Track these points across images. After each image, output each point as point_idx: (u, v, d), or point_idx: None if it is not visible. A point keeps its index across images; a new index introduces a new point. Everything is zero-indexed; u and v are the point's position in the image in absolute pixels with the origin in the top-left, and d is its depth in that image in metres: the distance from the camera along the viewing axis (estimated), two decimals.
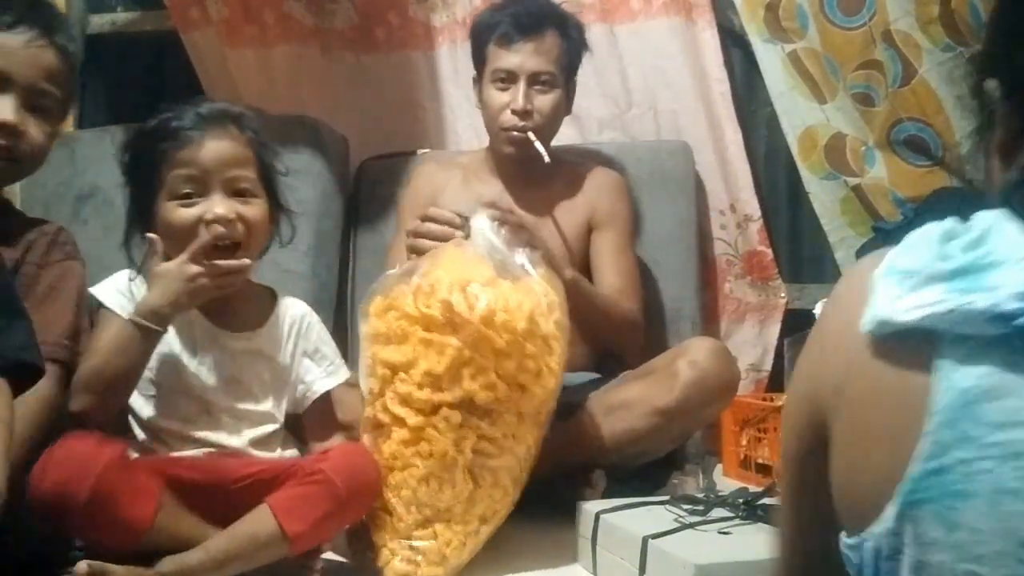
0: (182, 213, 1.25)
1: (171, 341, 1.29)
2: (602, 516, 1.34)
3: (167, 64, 2.45)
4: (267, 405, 1.35)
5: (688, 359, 1.58)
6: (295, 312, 1.40)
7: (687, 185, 2.18)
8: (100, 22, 2.53)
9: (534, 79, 1.82)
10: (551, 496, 1.48)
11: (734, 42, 2.26)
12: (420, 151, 2.30)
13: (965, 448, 0.48)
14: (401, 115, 2.38)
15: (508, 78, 1.82)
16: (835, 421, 0.56)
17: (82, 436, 1.15)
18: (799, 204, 2.26)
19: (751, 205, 2.24)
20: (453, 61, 2.33)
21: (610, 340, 1.82)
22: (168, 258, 1.26)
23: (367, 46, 2.38)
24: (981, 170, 2.15)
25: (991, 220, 0.53)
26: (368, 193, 2.26)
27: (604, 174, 1.99)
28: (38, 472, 1.10)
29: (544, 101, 1.83)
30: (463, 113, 2.34)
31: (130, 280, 1.32)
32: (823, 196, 2.21)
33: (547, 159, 1.79)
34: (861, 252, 2.17)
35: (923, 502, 0.49)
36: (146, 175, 1.28)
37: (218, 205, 1.25)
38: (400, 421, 1.32)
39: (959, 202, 2.11)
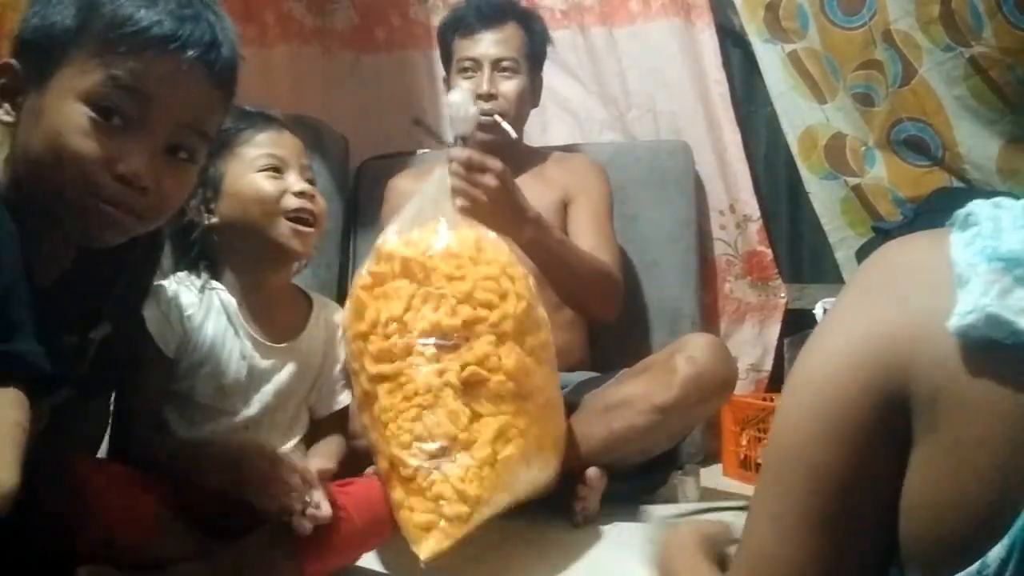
0: (270, 184, 1.30)
1: (216, 360, 1.29)
2: None
3: None
4: (300, 414, 1.36)
5: (686, 355, 1.57)
6: (332, 317, 1.41)
7: (687, 185, 2.18)
8: None
9: (497, 65, 1.90)
10: (548, 496, 1.48)
11: (734, 42, 2.27)
12: (420, 151, 2.30)
13: None
14: (401, 115, 2.38)
15: (473, 66, 1.91)
16: (925, 438, 0.48)
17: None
18: (799, 204, 2.27)
19: (751, 205, 2.24)
20: None
21: (586, 293, 1.79)
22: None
23: (367, 46, 2.38)
24: (981, 170, 2.16)
25: None
26: (368, 193, 2.26)
27: (576, 157, 2.05)
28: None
29: (508, 86, 1.90)
30: None
31: (180, 291, 1.30)
32: (823, 196, 2.21)
33: (514, 135, 1.86)
34: (861, 252, 2.17)
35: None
36: (218, 157, 1.30)
37: (299, 182, 1.32)
38: (381, 377, 1.30)
39: (959, 202, 2.11)
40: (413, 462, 1.25)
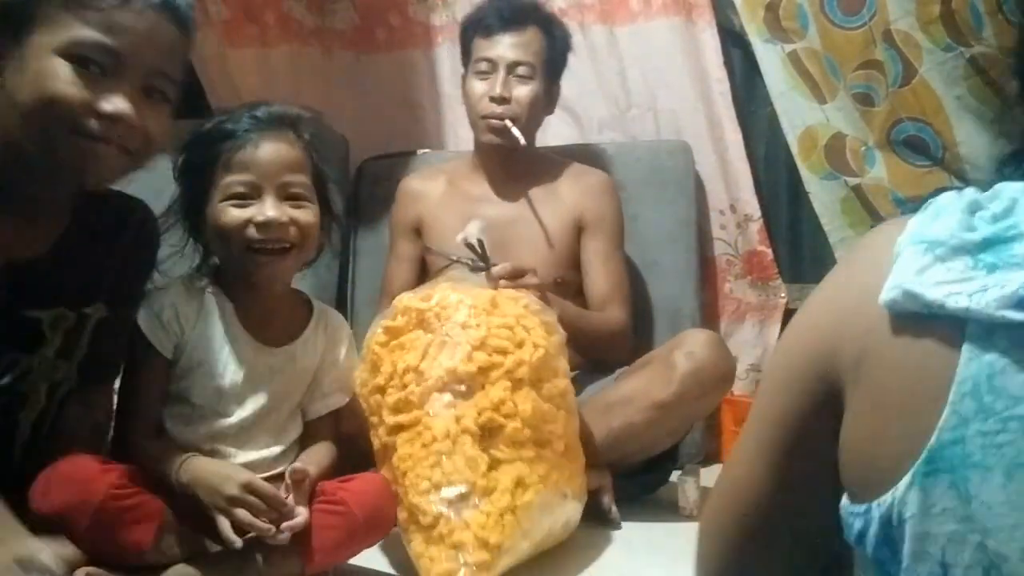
0: (233, 213, 1.26)
1: (213, 362, 1.29)
2: None
3: None
4: (294, 416, 1.36)
5: (684, 351, 1.58)
6: (330, 323, 1.41)
7: (687, 185, 2.18)
8: None
9: (513, 68, 1.88)
10: None
11: (734, 42, 2.26)
12: (420, 151, 2.31)
13: (986, 421, 0.48)
14: (401, 115, 2.39)
15: (489, 68, 1.89)
16: (853, 390, 0.56)
17: (85, 459, 1.15)
18: (799, 204, 2.26)
19: (751, 205, 2.24)
20: (452, 61, 2.33)
21: (600, 351, 1.84)
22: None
23: (367, 46, 2.38)
24: (981, 170, 2.16)
25: (1017, 192, 0.52)
26: (368, 193, 2.26)
27: (592, 174, 2.02)
28: (40, 491, 1.10)
29: (522, 90, 1.88)
30: (463, 113, 2.33)
31: (179, 293, 1.31)
32: (823, 196, 2.21)
33: (523, 142, 1.85)
34: None
35: (939, 472, 0.49)
36: (200, 177, 1.28)
37: (270, 208, 1.26)
38: (399, 427, 1.32)
39: None
40: (433, 508, 1.25)
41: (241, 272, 1.31)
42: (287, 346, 1.35)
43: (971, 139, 2.01)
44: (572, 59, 2.28)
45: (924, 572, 0.50)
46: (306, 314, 1.39)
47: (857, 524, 0.55)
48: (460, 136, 2.35)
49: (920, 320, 0.51)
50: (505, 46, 1.88)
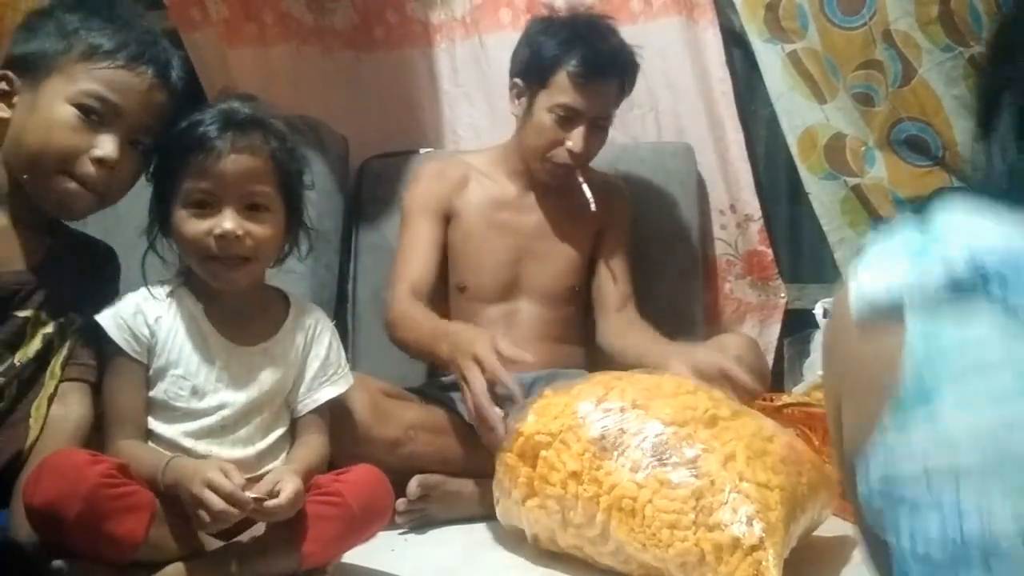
0: (193, 225, 1.26)
1: (187, 362, 1.29)
2: None
3: None
4: (278, 412, 1.35)
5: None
6: (308, 318, 1.39)
7: (689, 187, 2.18)
8: None
9: (595, 121, 1.82)
10: None
11: (735, 42, 2.26)
12: (422, 150, 2.30)
13: (933, 364, 0.60)
14: (401, 114, 2.38)
15: (569, 114, 1.79)
16: (845, 403, 0.68)
17: (74, 451, 1.16)
18: (799, 204, 2.26)
19: (752, 205, 2.24)
20: (451, 59, 2.33)
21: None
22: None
23: (367, 45, 2.38)
24: (981, 170, 2.15)
25: (943, 207, 0.65)
26: (369, 192, 2.26)
27: (611, 183, 2.01)
28: (31, 484, 1.11)
29: (598, 142, 1.85)
30: (462, 112, 2.34)
31: (147, 297, 1.31)
32: (823, 196, 2.21)
33: (593, 208, 1.83)
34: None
35: (913, 406, 0.61)
36: (168, 179, 1.28)
37: (227, 220, 1.25)
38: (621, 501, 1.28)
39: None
40: (735, 530, 1.20)
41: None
42: (264, 343, 1.34)
43: (971, 138, 2.01)
44: None
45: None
46: (283, 311, 1.38)
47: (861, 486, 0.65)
48: (460, 135, 2.35)
49: (878, 317, 0.64)
50: (594, 100, 1.79)
